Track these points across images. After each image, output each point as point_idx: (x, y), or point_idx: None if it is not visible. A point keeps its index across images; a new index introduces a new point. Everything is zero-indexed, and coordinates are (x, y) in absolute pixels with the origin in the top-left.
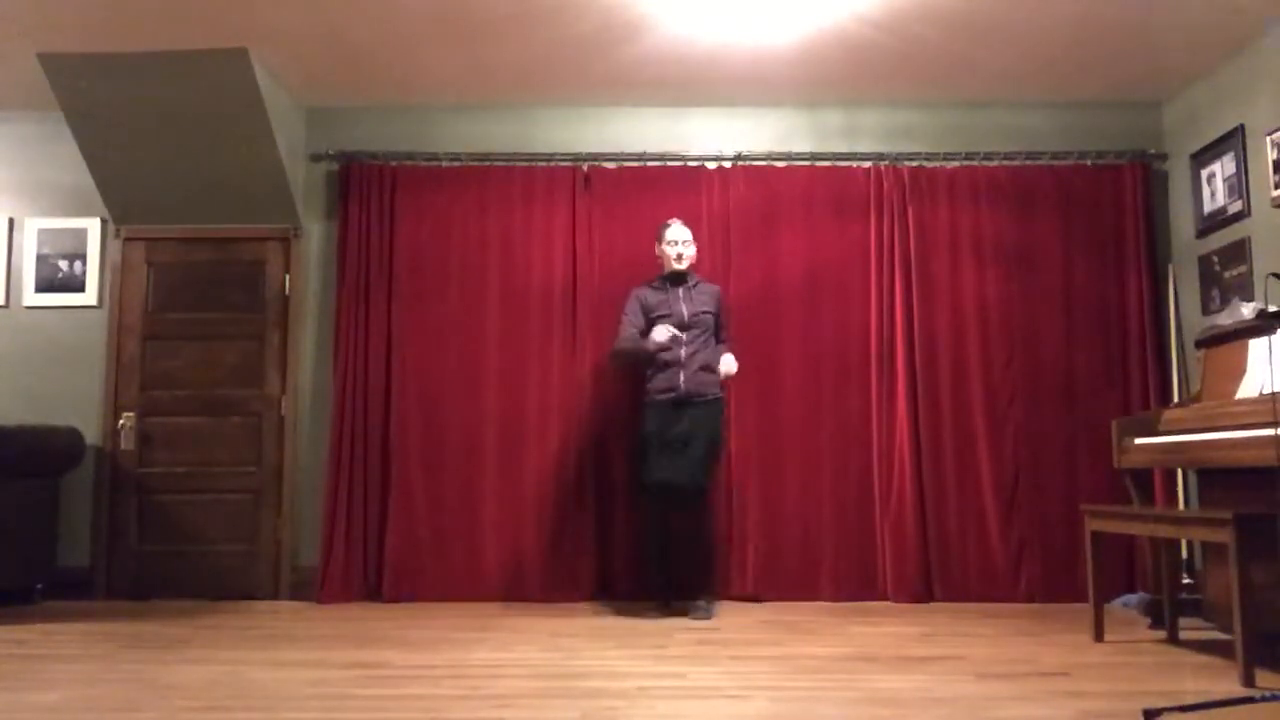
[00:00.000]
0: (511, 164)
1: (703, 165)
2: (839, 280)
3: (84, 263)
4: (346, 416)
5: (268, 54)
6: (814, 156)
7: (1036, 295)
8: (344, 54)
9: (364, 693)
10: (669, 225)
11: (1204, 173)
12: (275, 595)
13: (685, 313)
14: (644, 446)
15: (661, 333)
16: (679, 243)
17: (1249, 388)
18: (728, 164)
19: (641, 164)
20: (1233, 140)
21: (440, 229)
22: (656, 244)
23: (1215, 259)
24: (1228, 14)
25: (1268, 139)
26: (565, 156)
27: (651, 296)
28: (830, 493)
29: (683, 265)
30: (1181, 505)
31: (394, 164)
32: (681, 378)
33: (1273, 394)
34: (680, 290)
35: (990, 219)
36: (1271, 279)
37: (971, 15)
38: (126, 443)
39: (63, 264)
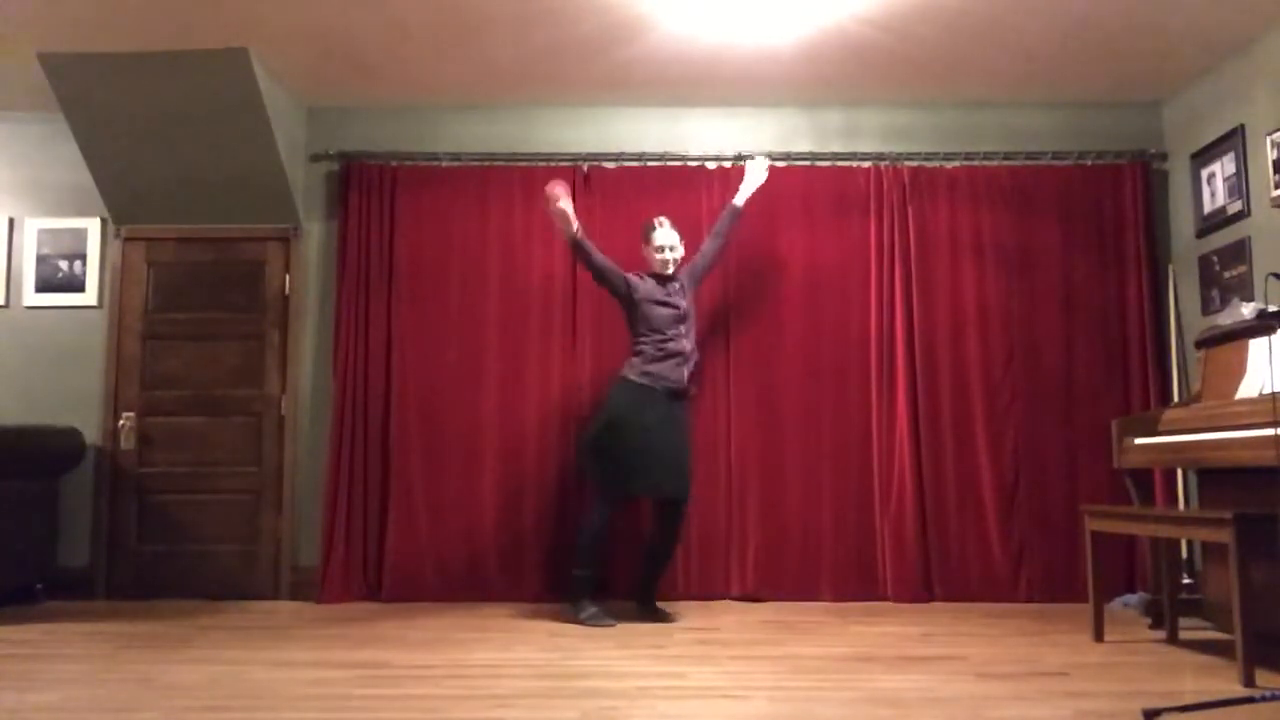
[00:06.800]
0: (511, 164)
1: (703, 165)
2: (839, 280)
3: (84, 263)
4: (346, 416)
5: (268, 54)
6: (814, 156)
7: (1037, 295)
8: (344, 54)
9: (364, 693)
10: (658, 227)
11: (1204, 173)
12: (275, 595)
13: (683, 306)
14: (621, 442)
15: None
16: (668, 248)
17: (1249, 388)
18: (728, 164)
19: (641, 164)
20: (1233, 140)
21: (440, 229)
22: (644, 244)
23: (1215, 259)
24: (1228, 14)
25: (1268, 139)
26: (565, 156)
27: (652, 285)
28: (830, 493)
29: (670, 270)
30: (1181, 505)
31: (394, 164)
32: (685, 372)
33: (1273, 394)
34: (669, 287)
35: (990, 219)
36: (1271, 279)
37: (971, 16)
38: (126, 443)
39: (63, 264)
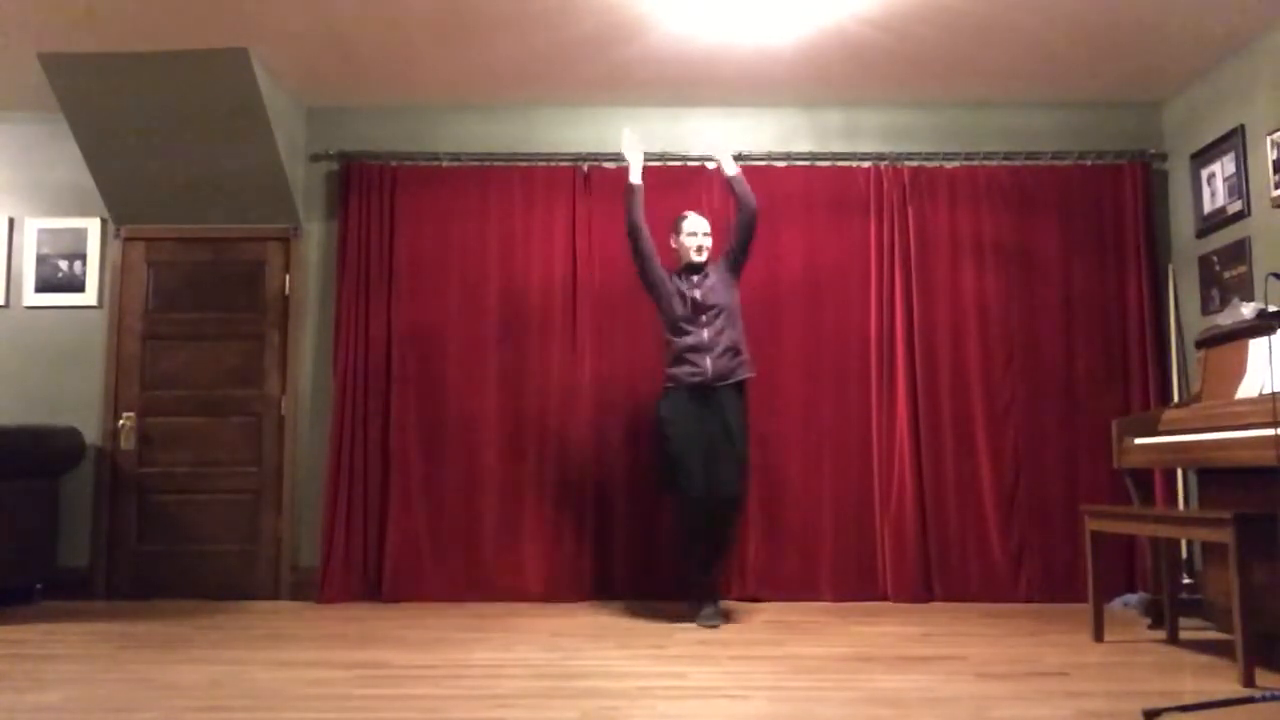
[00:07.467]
0: (511, 164)
1: (703, 165)
2: (839, 280)
3: (84, 263)
4: (346, 416)
5: (268, 54)
6: (814, 156)
7: (1037, 295)
8: (344, 54)
9: (364, 693)
10: (686, 217)
11: (1204, 173)
12: (275, 595)
13: (699, 296)
14: (673, 445)
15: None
16: (699, 234)
17: (1249, 388)
18: None
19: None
20: (1233, 140)
21: (440, 229)
22: (672, 236)
23: (1215, 259)
24: (1228, 14)
25: (1268, 139)
26: (565, 156)
27: (674, 279)
28: (830, 493)
29: (703, 258)
30: (1181, 505)
31: (394, 164)
32: (709, 362)
33: (1273, 394)
34: (695, 278)
35: (990, 219)
36: (1271, 279)
37: (971, 15)
38: (126, 443)
39: (63, 264)
